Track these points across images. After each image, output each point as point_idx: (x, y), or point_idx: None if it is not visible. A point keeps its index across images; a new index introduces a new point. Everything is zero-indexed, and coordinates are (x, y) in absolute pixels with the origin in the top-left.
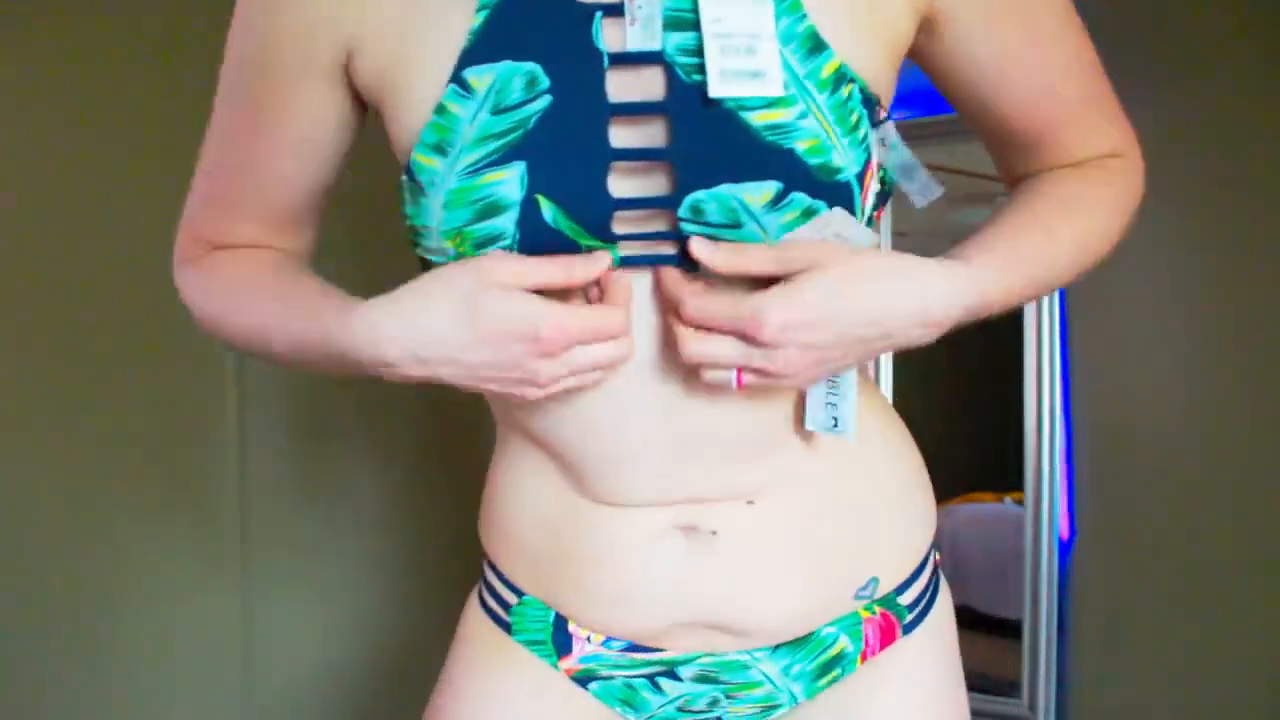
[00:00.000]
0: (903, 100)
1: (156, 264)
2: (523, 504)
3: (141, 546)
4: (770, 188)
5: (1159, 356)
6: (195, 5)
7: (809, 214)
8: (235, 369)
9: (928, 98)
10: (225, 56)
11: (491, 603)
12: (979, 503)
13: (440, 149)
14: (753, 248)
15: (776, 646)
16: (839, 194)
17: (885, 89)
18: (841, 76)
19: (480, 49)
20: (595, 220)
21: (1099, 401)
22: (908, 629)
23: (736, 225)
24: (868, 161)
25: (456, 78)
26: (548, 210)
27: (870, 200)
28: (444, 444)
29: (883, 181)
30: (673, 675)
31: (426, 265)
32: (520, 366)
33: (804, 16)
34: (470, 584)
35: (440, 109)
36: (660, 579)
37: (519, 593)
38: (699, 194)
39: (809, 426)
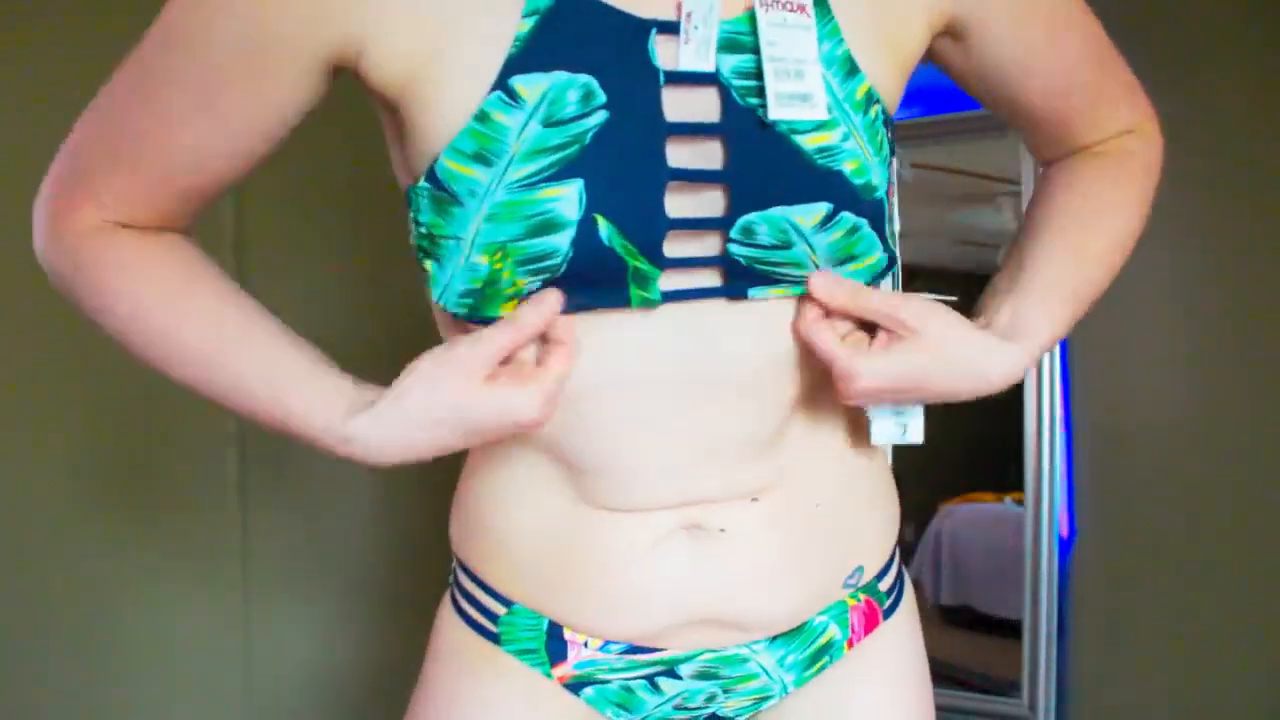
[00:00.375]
0: (904, 100)
1: None
2: (512, 511)
3: (141, 547)
4: (821, 209)
5: (1159, 356)
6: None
7: (853, 232)
8: None
9: (928, 97)
10: (178, 5)
11: (473, 612)
12: (979, 503)
13: (482, 158)
14: (870, 293)
15: (774, 637)
16: (876, 210)
17: (894, 105)
18: (870, 98)
19: (530, 57)
20: (649, 240)
21: (1099, 401)
22: (887, 614)
23: (787, 246)
24: (889, 180)
25: (502, 84)
26: (604, 229)
27: (887, 211)
28: None
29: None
30: (672, 674)
31: (428, 271)
32: (507, 432)
33: (841, 41)
34: None
35: (481, 116)
36: (666, 579)
37: (506, 601)
38: (751, 216)
39: (875, 441)
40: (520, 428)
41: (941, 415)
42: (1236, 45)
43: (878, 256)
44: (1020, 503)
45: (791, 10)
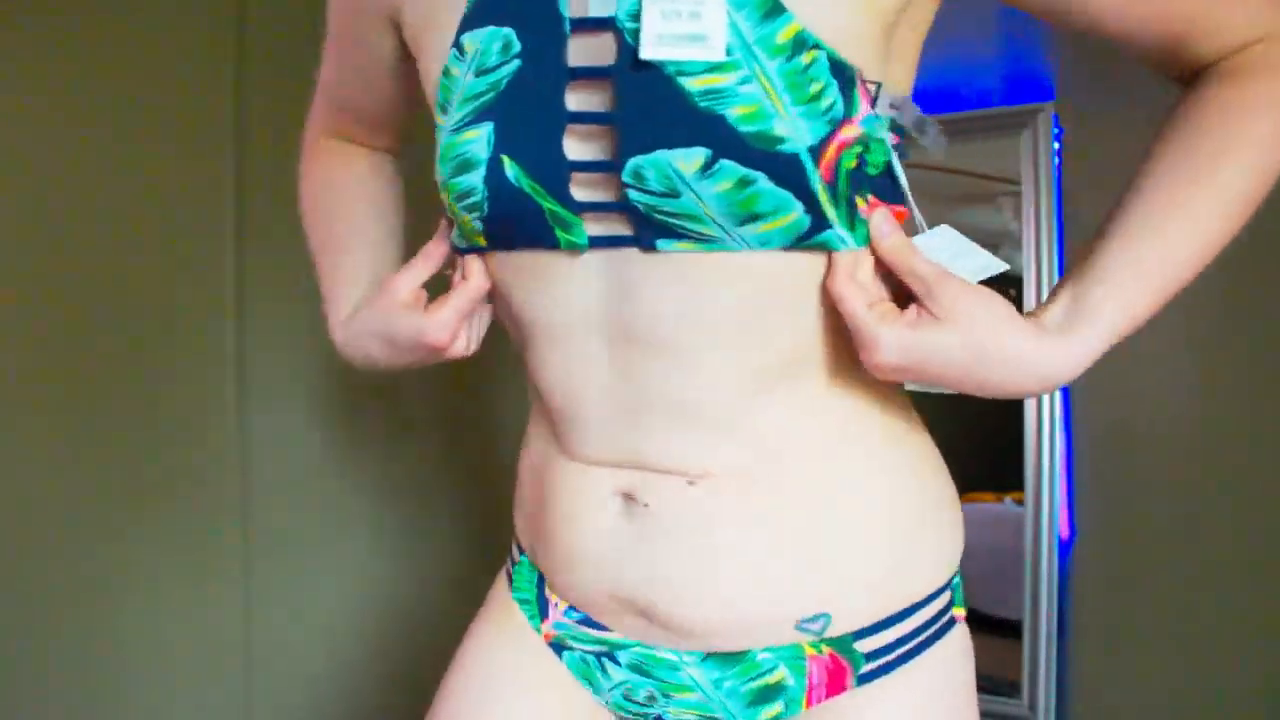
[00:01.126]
0: None
1: (157, 263)
2: (523, 455)
3: (141, 547)
4: (699, 155)
5: (1159, 356)
6: (195, 7)
7: (744, 185)
8: (235, 368)
9: (927, 97)
10: None
11: (508, 557)
12: (979, 503)
13: (444, 108)
14: (917, 253)
15: (706, 656)
16: (780, 165)
17: (872, 57)
18: (801, 43)
19: (475, 15)
20: (553, 182)
21: (1099, 401)
22: (863, 679)
23: (675, 194)
24: (830, 135)
25: (456, 42)
26: (510, 169)
27: (840, 180)
28: (446, 445)
29: (876, 163)
30: (614, 659)
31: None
32: (424, 353)
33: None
34: (471, 583)
35: (445, 71)
36: (597, 544)
37: (521, 549)
38: (639, 159)
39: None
40: (429, 349)
41: (942, 415)
42: None
43: (794, 217)
44: (1020, 503)
45: None
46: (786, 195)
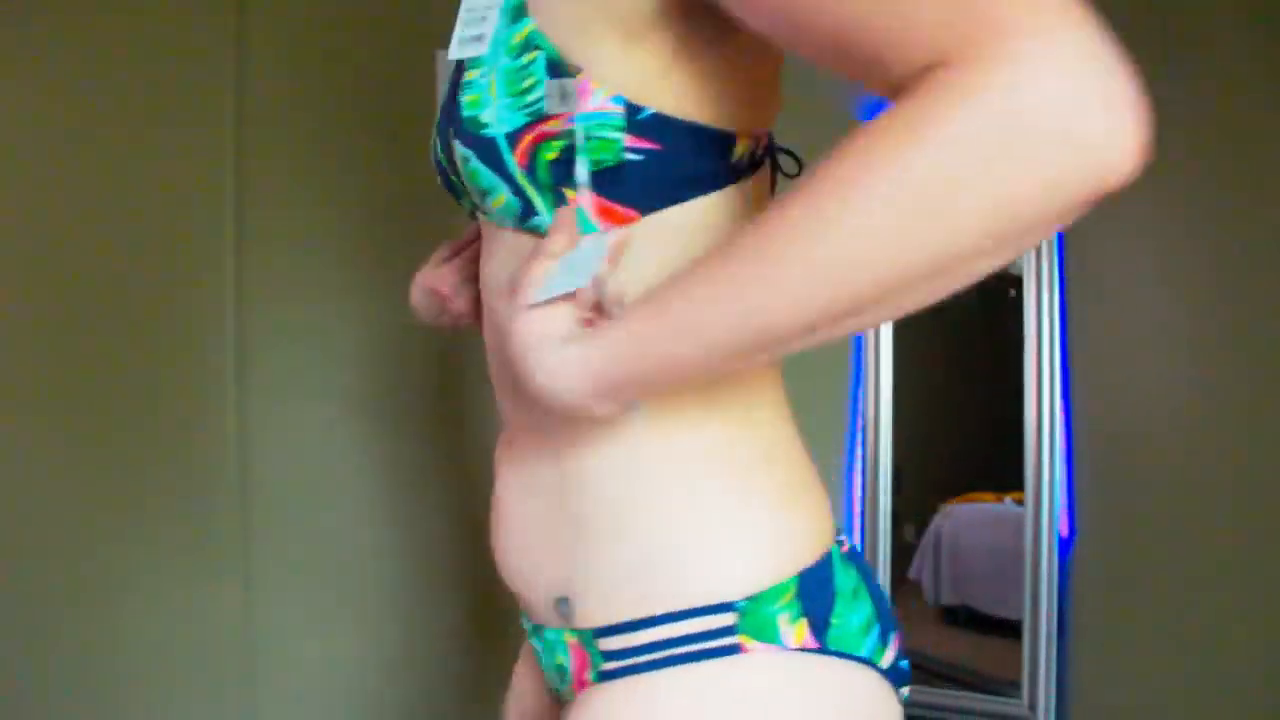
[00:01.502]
0: None
1: (157, 263)
2: None
3: (141, 546)
4: (448, 133)
5: (1159, 356)
6: (195, 7)
7: (465, 161)
8: (235, 368)
9: None
10: None
11: None
12: (979, 503)
13: None
14: (536, 258)
15: (533, 629)
16: (484, 147)
17: (607, 62)
18: (528, 43)
19: None
20: (435, 159)
21: (1099, 401)
22: (602, 676)
23: (455, 171)
24: (528, 126)
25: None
26: (433, 152)
27: (539, 169)
28: (445, 444)
29: (569, 153)
30: (536, 637)
31: None
32: (435, 301)
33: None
34: (470, 583)
35: None
36: (493, 517)
37: None
38: (453, 143)
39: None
40: (434, 296)
41: (942, 415)
42: (1238, 45)
43: (505, 198)
44: (1020, 503)
45: None
46: (493, 176)
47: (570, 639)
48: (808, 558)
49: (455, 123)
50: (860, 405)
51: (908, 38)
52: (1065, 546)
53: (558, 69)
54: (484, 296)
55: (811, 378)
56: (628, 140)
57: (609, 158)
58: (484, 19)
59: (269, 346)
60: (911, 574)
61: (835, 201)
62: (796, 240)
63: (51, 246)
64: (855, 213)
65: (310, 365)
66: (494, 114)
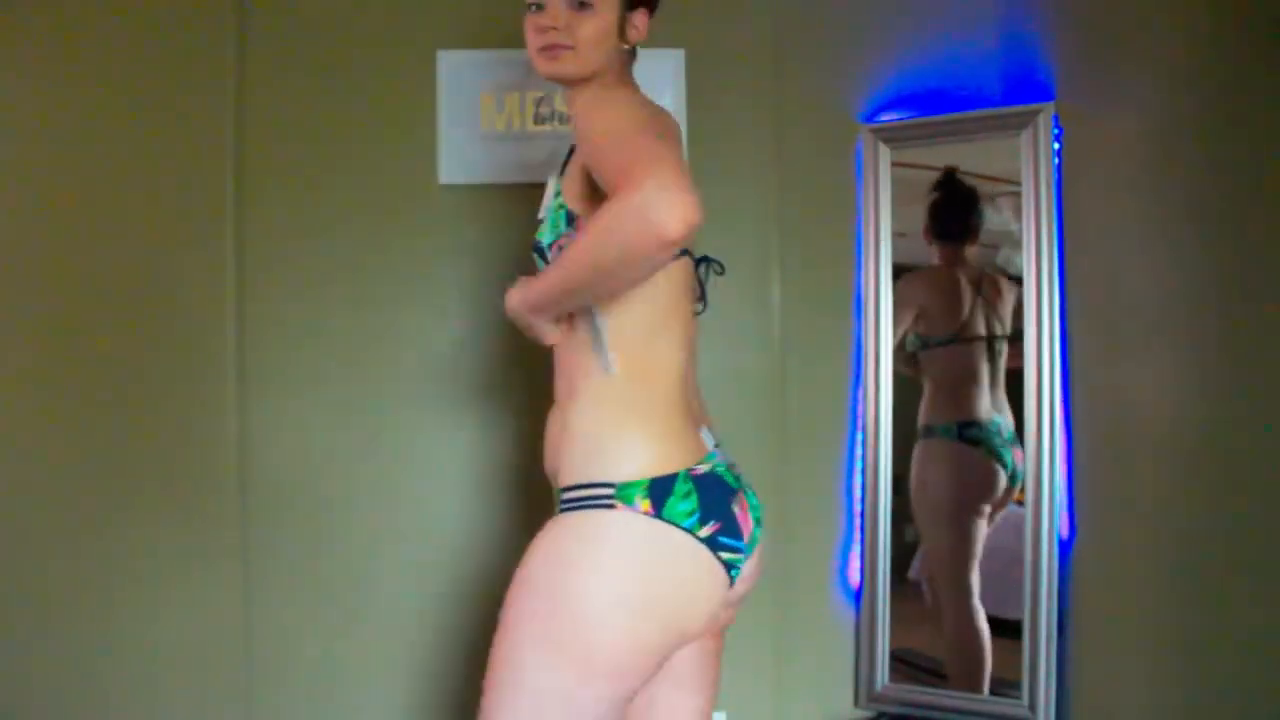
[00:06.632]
0: (903, 100)
1: (156, 264)
2: None
3: (142, 547)
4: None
5: (1159, 357)
6: (195, 8)
7: (531, 256)
8: (235, 368)
9: (927, 98)
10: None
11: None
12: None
13: None
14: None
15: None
16: (541, 249)
17: (584, 208)
18: (560, 206)
19: None
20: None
21: (1099, 402)
22: (560, 508)
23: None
24: (556, 240)
25: None
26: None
27: (558, 253)
28: (445, 444)
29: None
30: None
31: None
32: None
33: (560, 191)
34: (470, 583)
35: None
36: None
37: None
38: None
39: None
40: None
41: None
42: (1238, 48)
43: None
44: (1020, 503)
45: (550, 179)
46: (543, 263)
47: (556, 493)
48: (659, 471)
49: (533, 243)
50: (860, 407)
51: (612, 189)
52: (1065, 546)
53: (570, 217)
54: None
55: (813, 379)
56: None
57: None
58: (546, 202)
59: (269, 346)
60: (911, 574)
61: (577, 249)
62: (569, 262)
63: (52, 246)
64: (580, 257)
65: (310, 365)
66: (545, 237)
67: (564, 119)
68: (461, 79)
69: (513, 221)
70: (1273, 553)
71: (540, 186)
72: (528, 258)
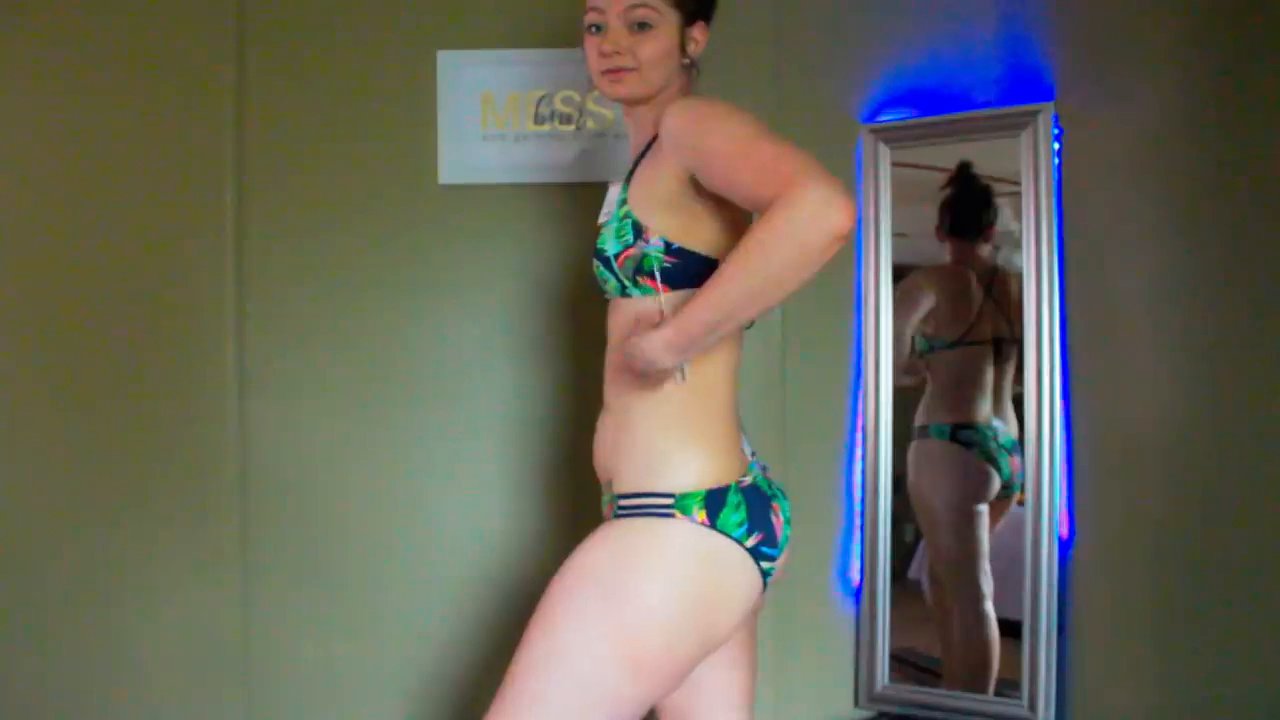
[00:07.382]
0: (903, 100)
1: (157, 264)
2: None
3: (141, 546)
4: (594, 256)
5: (1159, 357)
6: (194, 11)
7: (595, 267)
8: (236, 368)
9: (927, 98)
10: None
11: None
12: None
13: None
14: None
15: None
16: (604, 260)
17: (654, 219)
18: (625, 214)
19: None
20: (594, 272)
21: (1099, 402)
22: (616, 514)
23: (595, 275)
24: (623, 250)
25: None
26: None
27: (628, 267)
28: (446, 445)
29: (640, 263)
30: None
31: None
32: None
33: (625, 195)
34: (469, 584)
35: None
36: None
37: None
38: (594, 259)
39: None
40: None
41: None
42: (1238, 48)
43: (613, 283)
44: (1020, 503)
45: (611, 185)
46: (608, 273)
47: (609, 500)
48: (714, 483)
49: (595, 249)
50: (860, 406)
51: (761, 193)
52: (1065, 546)
53: (637, 226)
54: (608, 330)
55: (813, 379)
56: (665, 259)
57: (656, 265)
58: (607, 209)
59: (269, 346)
60: (911, 574)
61: (738, 263)
62: (729, 279)
63: (52, 246)
64: (747, 266)
65: (310, 365)
66: (609, 245)
67: (564, 119)
68: (461, 79)
69: (513, 221)
70: (1272, 552)
71: (539, 186)
72: (528, 257)
